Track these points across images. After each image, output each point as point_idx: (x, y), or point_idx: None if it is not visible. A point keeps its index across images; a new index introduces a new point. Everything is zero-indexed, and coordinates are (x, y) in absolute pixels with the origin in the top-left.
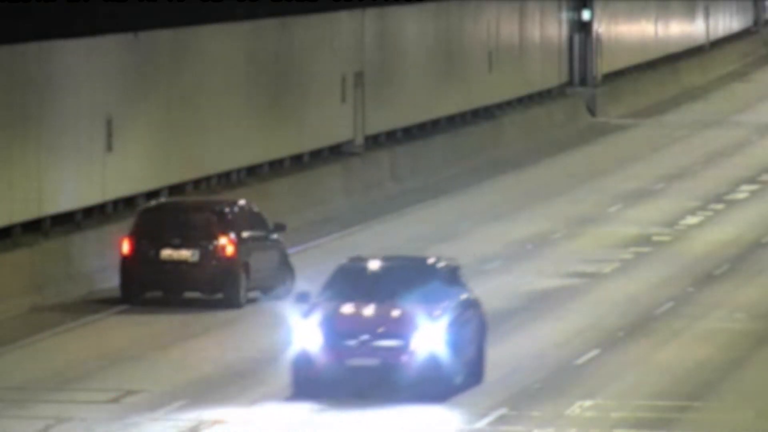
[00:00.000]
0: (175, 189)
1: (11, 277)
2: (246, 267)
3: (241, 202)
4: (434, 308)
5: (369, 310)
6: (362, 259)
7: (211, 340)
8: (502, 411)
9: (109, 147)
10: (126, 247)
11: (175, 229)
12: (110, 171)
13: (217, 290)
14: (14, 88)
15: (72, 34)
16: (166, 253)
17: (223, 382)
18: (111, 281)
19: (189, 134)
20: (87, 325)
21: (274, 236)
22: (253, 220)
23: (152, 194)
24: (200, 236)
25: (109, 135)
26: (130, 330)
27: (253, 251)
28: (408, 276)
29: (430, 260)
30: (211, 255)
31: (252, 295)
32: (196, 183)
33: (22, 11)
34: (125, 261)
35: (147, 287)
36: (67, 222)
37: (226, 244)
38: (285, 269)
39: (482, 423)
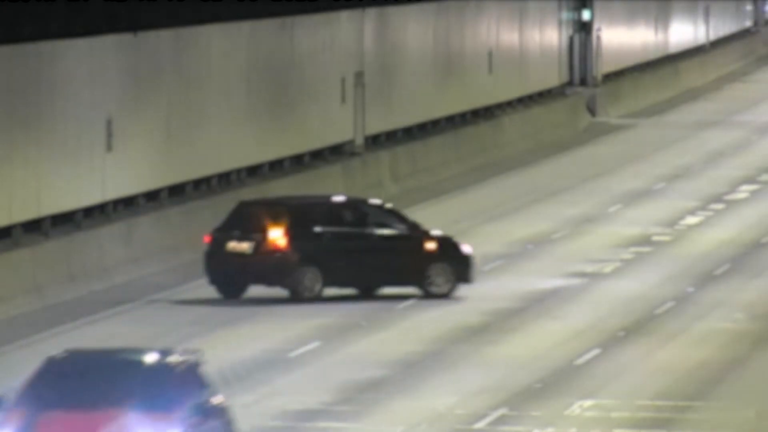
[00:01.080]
0: (175, 189)
1: (11, 277)
2: (317, 262)
3: (341, 198)
4: (161, 417)
5: (77, 421)
6: (76, 353)
7: (217, 339)
8: (503, 411)
9: (109, 147)
10: (207, 240)
11: (245, 224)
12: (110, 171)
13: (274, 283)
14: (14, 88)
15: (72, 34)
16: (231, 245)
17: (226, 382)
18: (111, 281)
19: (189, 134)
20: (87, 325)
21: (436, 236)
22: (355, 216)
23: (152, 194)
24: (257, 229)
25: (109, 135)
26: (130, 329)
27: (341, 248)
28: (130, 376)
29: (161, 355)
30: (262, 247)
31: (331, 291)
32: (196, 183)
33: (22, 11)
34: (205, 254)
35: (217, 279)
36: (67, 222)
37: (278, 237)
38: (431, 268)
39: (482, 423)
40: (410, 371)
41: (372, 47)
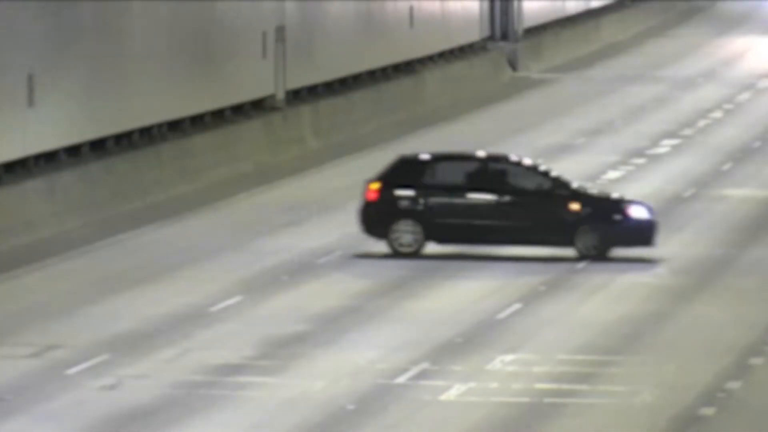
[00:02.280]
0: (96, 144)
1: None
2: (416, 216)
3: (474, 153)
4: None
5: None
6: None
7: (137, 294)
8: (424, 365)
9: (31, 102)
10: None
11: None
12: (32, 126)
13: (373, 235)
14: None
15: None
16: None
17: (148, 337)
18: (29, 236)
19: (110, 89)
20: (10, 280)
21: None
22: (486, 172)
23: (73, 149)
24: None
25: (31, 90)
26: (53, 284)
27: (453, 204)
28: None
29: None
30: (362, 199)
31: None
32: (117, 138)
33: None
34: None
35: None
36: None
37: (373, 189)
38: (578, 229)
39: (403, 377)
40: (331, 326)
41: (293, 1)
